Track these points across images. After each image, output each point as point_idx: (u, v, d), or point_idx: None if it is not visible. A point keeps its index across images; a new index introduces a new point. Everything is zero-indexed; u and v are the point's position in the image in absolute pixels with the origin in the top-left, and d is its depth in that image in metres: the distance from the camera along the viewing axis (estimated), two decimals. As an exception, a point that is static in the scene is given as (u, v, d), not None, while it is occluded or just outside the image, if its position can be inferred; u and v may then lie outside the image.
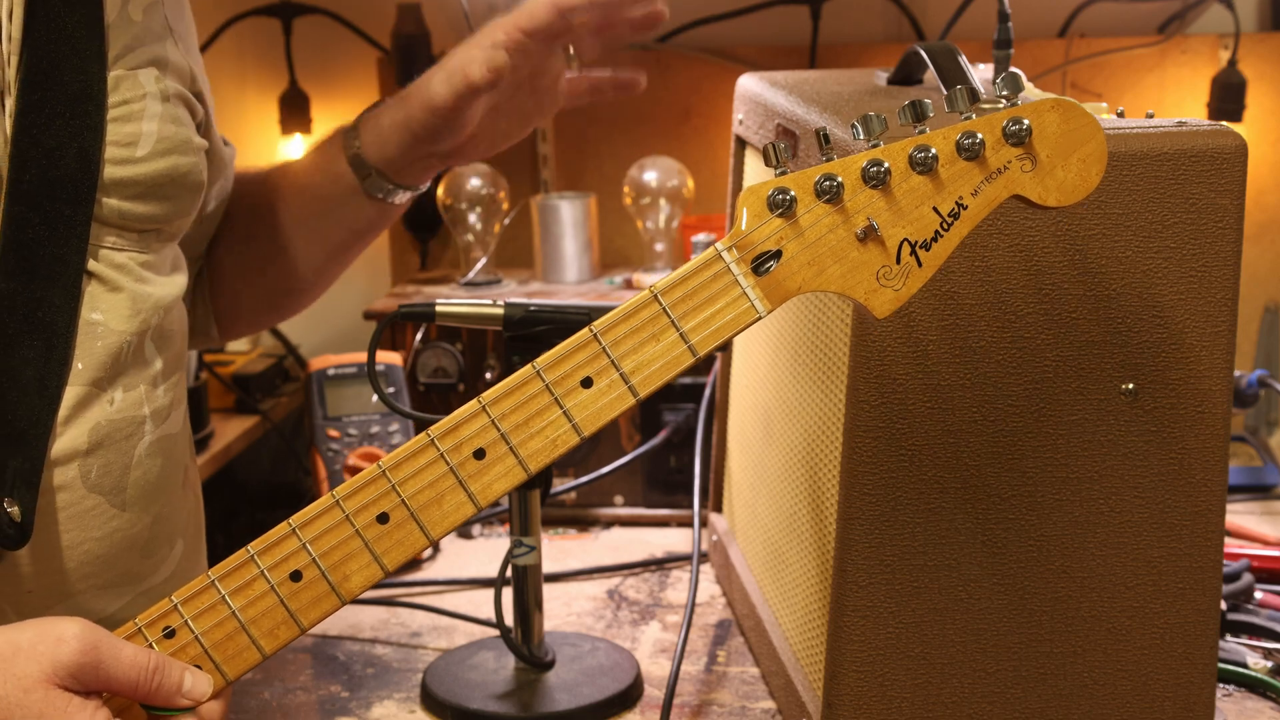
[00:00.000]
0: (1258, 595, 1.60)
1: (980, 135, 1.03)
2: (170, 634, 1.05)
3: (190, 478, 1.32)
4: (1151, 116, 1.28)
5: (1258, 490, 1.95)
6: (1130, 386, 1.20)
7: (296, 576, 1.07)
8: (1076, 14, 2.23)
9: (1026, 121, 1.03)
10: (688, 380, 1.89)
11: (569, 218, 2.12)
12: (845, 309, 1.24)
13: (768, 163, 1.06)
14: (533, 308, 1.43)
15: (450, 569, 1.81)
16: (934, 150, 1.03)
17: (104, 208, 1.16)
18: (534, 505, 1.47)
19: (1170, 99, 2.18)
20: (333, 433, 1.86)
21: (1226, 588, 1.57)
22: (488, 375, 1.94)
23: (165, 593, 1.07)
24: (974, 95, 1.04)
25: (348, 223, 1.48)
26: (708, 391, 1.84)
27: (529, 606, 1.49)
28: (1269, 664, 1.47)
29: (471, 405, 1.05)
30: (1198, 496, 1.22)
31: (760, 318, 1.05)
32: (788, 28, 2.27)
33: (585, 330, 1.05)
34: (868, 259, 1.04)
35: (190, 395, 2.00)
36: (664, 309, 1.05)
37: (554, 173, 2.29)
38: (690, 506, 1.71)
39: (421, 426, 1.94)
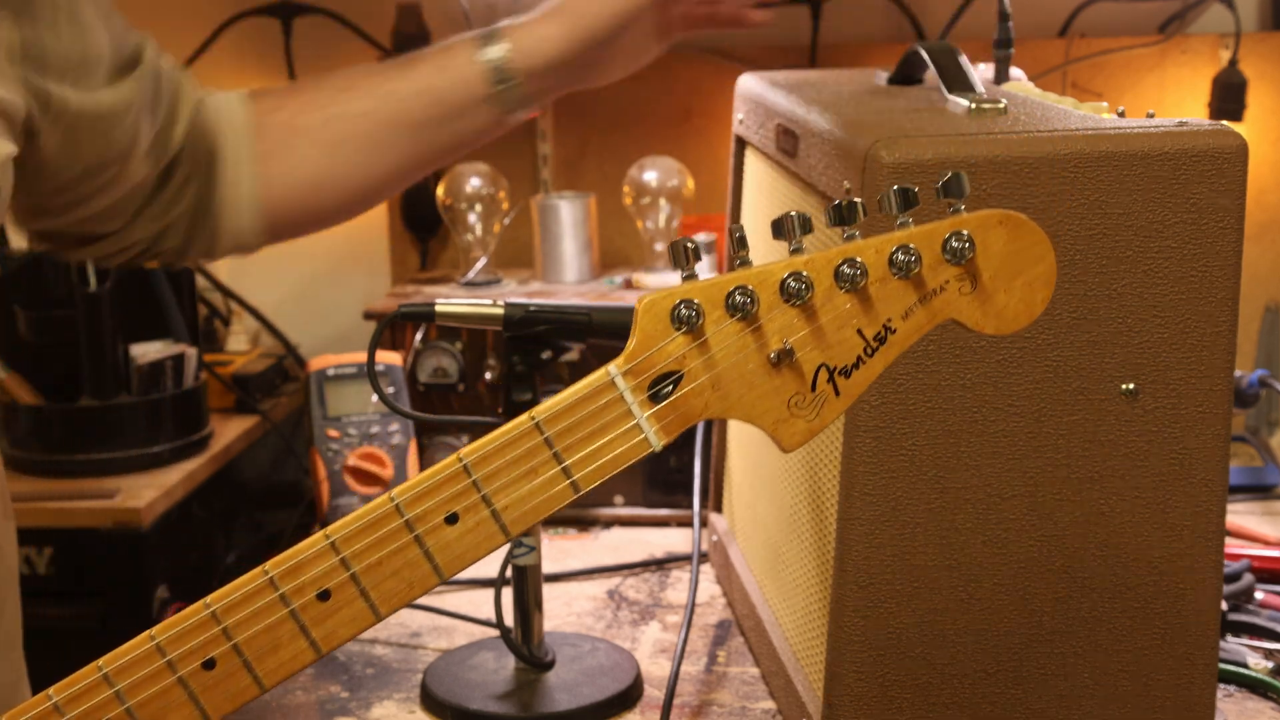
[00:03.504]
0: (1258, 595, 1.60)
1: (917, 251, 0.91)
2: None
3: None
4: (1152, 116, 1.28)
5: (1258, 490, 1.95)
6: (1130, 386, 1.20)
7: None
8: (1077, 14, 2.23)
9: (970, 238, 0.91)
10: (688, 380, 1.89)
11: (569, 218, 2.12)
12: (845, 309, 1.23)
13: (676, 264, 0.93)
14: (533, 308, 1.43)
15: (450, 569, 1.81)
16: (864, 265, 0.91)
17: None
18: (534, 505, 1.47)
19: (1171, 99, 2.18)
20: (333, 433, 1.86)
21: (1227, 588, 1.56)
22: (488, 375, 1.94)
23: None
24: (907, 200, 0.92)
25: (457, 132, 1.44)
26: (708, 391, 1.83)
27: (529, 606, 1.49)
28: (1270, 664, 1.47)
29: (318, 540, 0.93)
30: (1198, 496, 1.22)
31: (654, 451, 0.94)
32: (788, 28, 2.26)
33: (454, 458, 0.92)
34: (780, 385, 0.92)
35: (190, 395, 2.02)
36: (546, 439, 0.92)
37: (554, 173, 2.29)
38: (690, 506, 1.71)
39: (422, 426, 1.95)
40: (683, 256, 0.92)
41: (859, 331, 0.92)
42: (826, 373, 0.92)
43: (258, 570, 0.93)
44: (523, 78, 1.40)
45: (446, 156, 1.48)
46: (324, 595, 0.93)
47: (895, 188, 0.92)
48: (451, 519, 0.92)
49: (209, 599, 0.92)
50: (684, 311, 0.91)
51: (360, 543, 0.93)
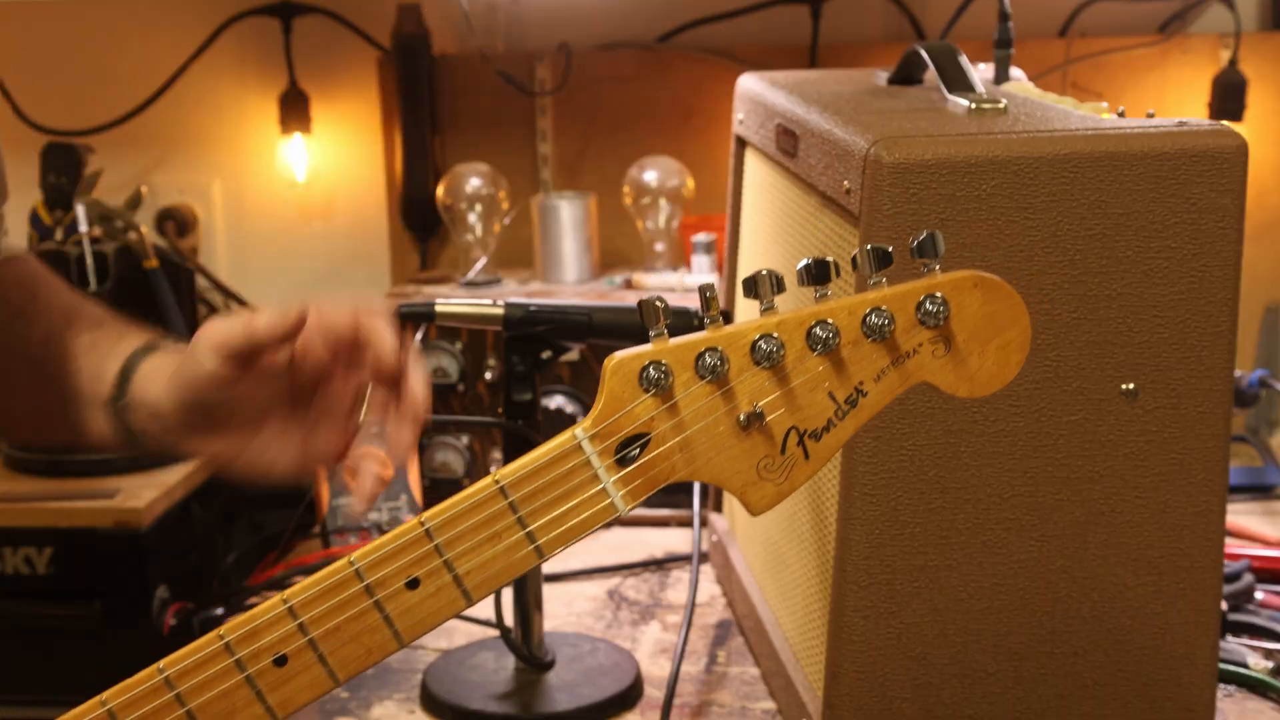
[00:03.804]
0: (1258, 595, 1.60)
1: (891, 314, 0.90)
2: None
3: None
4: (1152, 116, 1.28)
5: (1258, 490, 1.95)
6: (1130, 386, 1.20)
7: None
8: (1077, 13, 2.23)
9: (945, 301, 0.90)
10: (688, 380, 1.89)
11: (569, 218, 2.12)
12: (845, 309, 1.23)
13: (646, 322, 0.91)
14: (533, 308, 1.43)
15: (450, 569, 1.81)
16: (836, 328, 0.89)
17: None
18: (534, 505, 1.47)
19: (1171, 98, 2.18)
20: (333, 433, 1.85)
21: (1227, 588, 1.56)
22: (488, 375, 1.94)
23: None
24: (884, 258, 0.91)
25: (75, 420, 1.23)
26: (708, 391, 1.84)
27: (529, 606, 1.49)
28: (1270, 664, 1.47)
29: (275, 604, 0.91)
30: (1198, 496, 1.22)
31: (620, 515, 0.92)
32: (788, 28, 2.26)
33: (415, 522, 0.90)
34: (749, 448, 0.91)
35: (190, 395, 2.02)
36: (510, 504, 0.90)
37: (554, 173, 2.29)
38: (690, 506, 1.71)
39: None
40: (652, 315, 0.90)
41: (830, 394, 0.90)
42: (796, 435, 0.91)
43: (213, 635, 0.91)
44: (136, 405, 1.18)
45: (61, 434, 1.27)
46: (280, 661, 0.91)
47: (869, 246, 0.90)
48: (412, 584, 0.91)
49: (162, 663, 0.90)
50: (653, 373, 0.89)
51: (319, 608, 0.91)
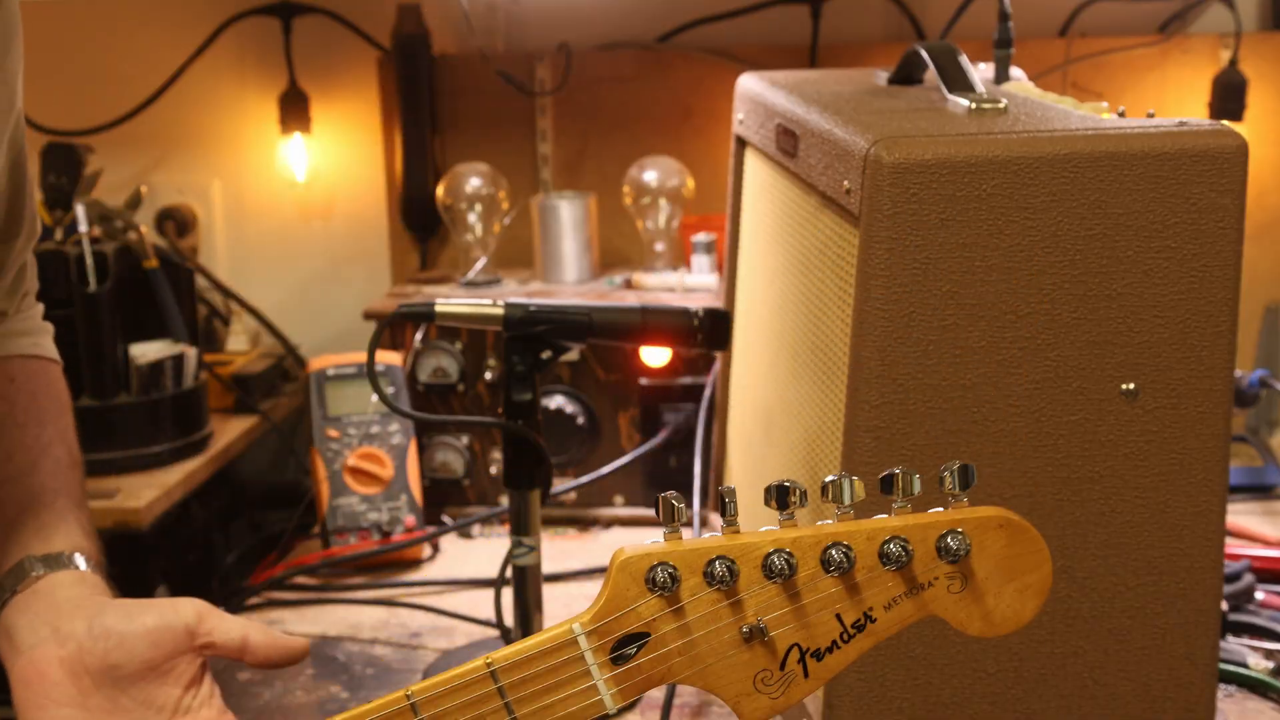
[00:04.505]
0: (1259, 595, 1.60)
1: (911, 544, 0.88)
2: None
3: None
4: (1152, 116, 1.28)
5: (1258, 490, 1.95)
6: (1130, 386, 1.20)
7: None
8: (1077, 13, 2.23)
9: (967, 538, 0.88)
10: (688, 380, 1.89)
11: (569, 218, 2.12)
12: (845, 308, 1.23)
13: (663, 519, 0.89)
14: (533, 308, 1.43)
15: (450, 569, 1.81)
16: (854, 551, 0.88)
17: None
18: (534, 505, 1.47)
19: (1171, 98, 2.18)
20: (332, 433, 1.85)
21: (1227, 588, 1.56)
22: (488, 375, 1.94)
23: None
24: (909, 484, 0.89)
25: None
26: (708, 391, 1.84)
27: (529, 607, 1.49)
28: (1270, 664, 1.47)
29: None
30: (1198, 496, 1.22)
31: (608, 715, 0.91)
32: (788, 28, 2.26)
33: (402, 695, 0.90)
34: (749, 660, 0.90)
35: (190, 395, 2.02)
36: (499, 689, 0.90)
37: (554, 173, 2.29)
38: (690, 506, 1.71)
39: (422, 426, 1.95)
40: (669, 513, 0.88)
41: (838, 616, 0.89)
42: (799, 653, 0.90)
43: None
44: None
45: None
46: None
47: (899, 470, 0.89)
48: None
49: None
50: (660, 575, 0.88)
51: None
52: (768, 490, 0.89)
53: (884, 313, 1.17)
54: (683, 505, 0.89)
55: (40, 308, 1.34)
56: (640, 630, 0.89)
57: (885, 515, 0.90)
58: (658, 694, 1.46)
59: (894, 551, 0.88)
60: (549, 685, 0.90)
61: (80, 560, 1.18)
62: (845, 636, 0.89)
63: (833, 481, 0.88)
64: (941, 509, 0.90)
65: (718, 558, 0.88)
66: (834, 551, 0.88)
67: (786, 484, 0.89)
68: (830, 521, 0.90)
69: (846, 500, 0.89)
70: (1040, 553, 0.90)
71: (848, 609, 0.89)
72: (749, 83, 1.61)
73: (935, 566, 0.89)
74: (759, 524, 1.55)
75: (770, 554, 0.88)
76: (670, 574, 0.88)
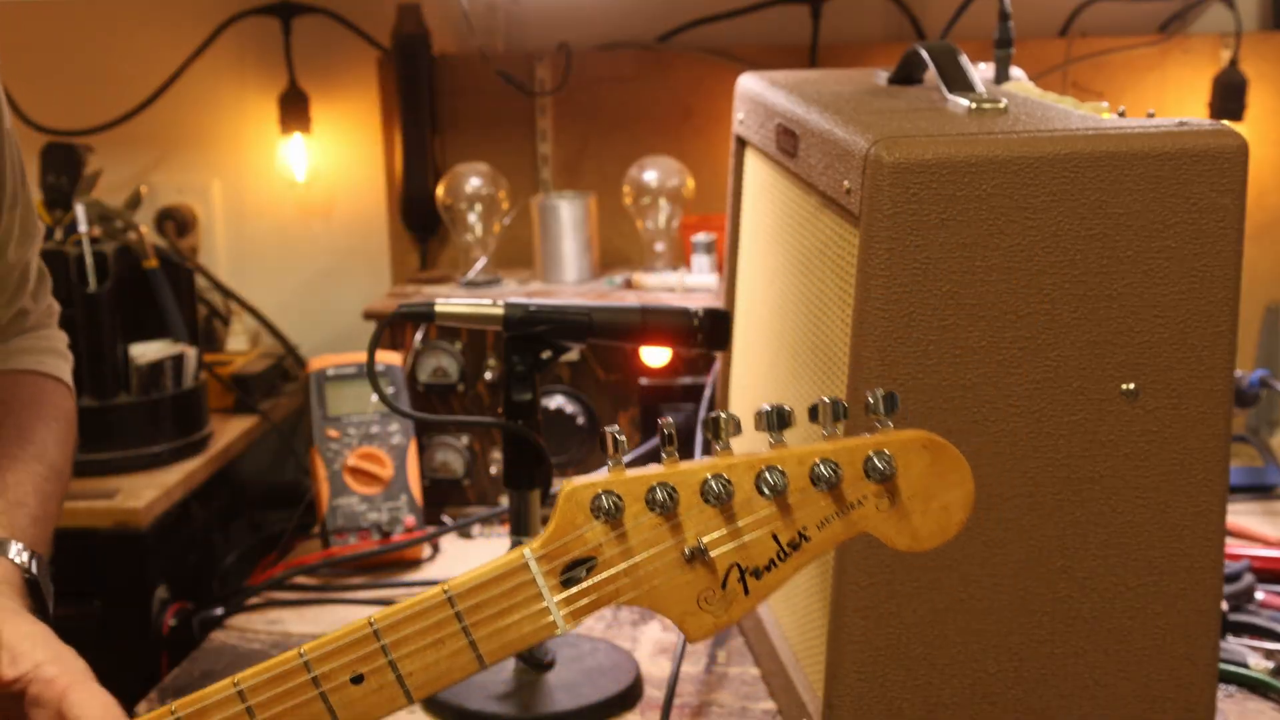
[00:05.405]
0: (1259, 596, 1.60)
1: (840, 466, 0.93)
2: None
3: None
4: (1152, 116, 1.28)
5: (1259, 490, 1.95)
6: (1131, 386, 1.20)
7: None
8: (1077, 13, 2.23)
9: (892, 459, 0.93)
10: (688, 380, 1.89)
11: (569, 218, 2.12)
12: (845, 308, 1.23)
13: (605, 451, 0.95)
14: (533, 308, 1.43)
15: (450, 569, 1.81)
16: (786, 474, 0.93)
17: None
18: (534, 505, 1.47)
19: (1171, 98, 2.18)
20: (332, 433, 1.85)
21: (1227, 588, 1.56)
22: (488, 375, 1.94)
23: None
24: (839, 411, 0.94)
25: None
26: (708, 391, 1.83)
27: (529, 607, 1.49)
28: (1270, 664, 1.47)
29: (225, 686, 0.96)
30: (1198, 496, 1.22)
31: (560, 633, 0.96)
32: (788, 28, 2.26)
33: (364, 622, 0.95)
34: (692, 580, 0.95)
35: (189, 395, 2.02)
36: (457, 613, 0.95)
37: (554, 173, 2.29)
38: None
39: (421, 426, 1.95)
40: (611, 445, 0.94)
41: (774, 536, 0.94)
42: (738, 572, 0.94)
43: (164, 710, 0.96)
44: None
45: None
46: None
47: (828, 399, 0.93)
48: (357, 679, 0.95)
49: None
50: (605, 502, 0.93)
51: (266, 694, 0.95)
52: (703, 423, 0.93)
53: (884, 313, 1.17)
54: (623, 439, 0.94)
55: (63, 337, 1.33)
56: (587, 554, 0.95)
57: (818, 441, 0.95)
58: (657, 694, 1.46)
59: (824, 473, 0.93)
60: (503, 609, 0.95)
61: (15, 549, 1.18)
62: (781, 555, 0.94)
63: (767, 411, 0.94)
64: (869, 434, 0.94)
65: (658, 484, 0.93)
66: (767, 475, 0.93)
67: (716, 415, 0.94)
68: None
69: (787, 424, 0.94)
70: (961, 470, 0.94)
71: (783, 529, 0.94)
72: (749, 83, 1.61)
73: (863, 486, 0.94)
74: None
75: (708, 479, 0.93)
76: (615, 501, 0.93)
